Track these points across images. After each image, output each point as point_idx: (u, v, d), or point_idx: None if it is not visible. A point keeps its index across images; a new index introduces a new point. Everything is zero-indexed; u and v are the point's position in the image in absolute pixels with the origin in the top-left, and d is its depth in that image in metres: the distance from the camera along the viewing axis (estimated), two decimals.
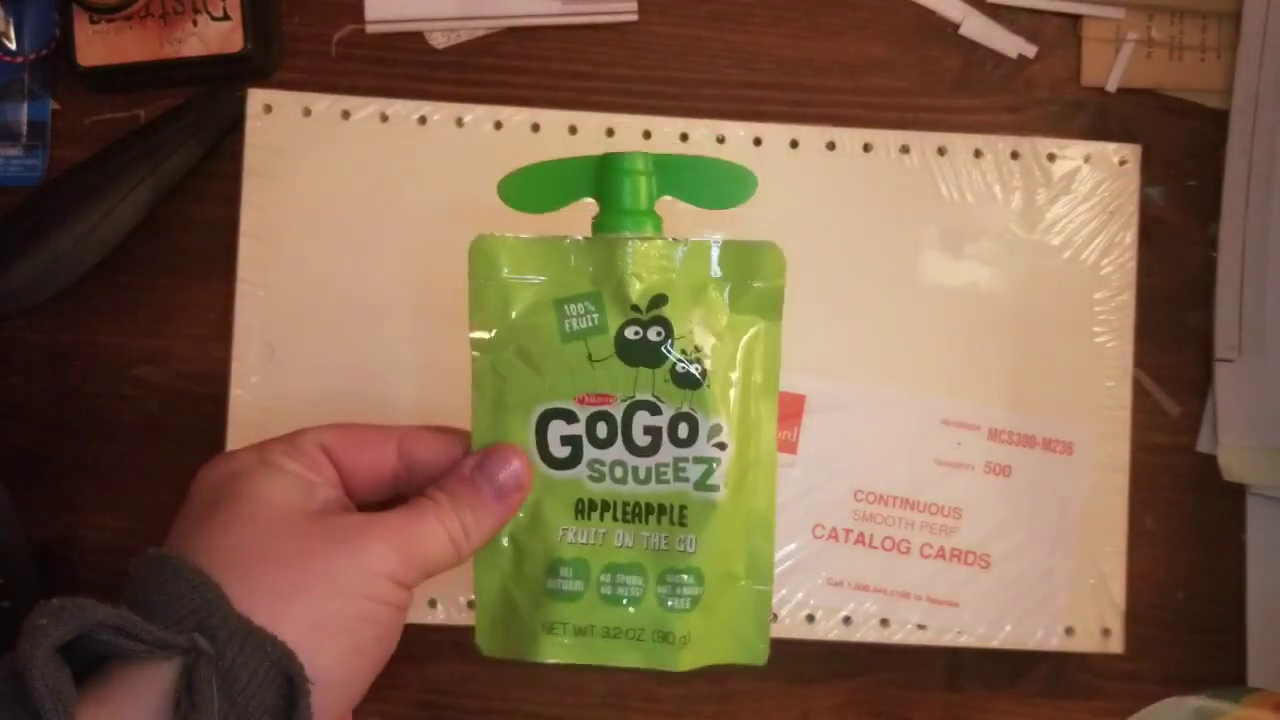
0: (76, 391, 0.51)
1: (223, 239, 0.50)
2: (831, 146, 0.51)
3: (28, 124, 0.51)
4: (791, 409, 0.50)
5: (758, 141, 0.51)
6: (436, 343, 0.49)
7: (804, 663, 0.51)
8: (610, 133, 0.50)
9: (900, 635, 0.50)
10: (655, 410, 0.37)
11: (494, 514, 0.36)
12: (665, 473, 0.37)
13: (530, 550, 0.37)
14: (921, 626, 0.50)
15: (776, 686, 0.52)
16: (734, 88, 0.53)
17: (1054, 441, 0.50)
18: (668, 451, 0.37)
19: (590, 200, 0.38)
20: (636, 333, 0.37)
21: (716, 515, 0.37)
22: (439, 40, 0.52)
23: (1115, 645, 0.50)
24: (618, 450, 0.37)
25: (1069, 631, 0.50)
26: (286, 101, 0.50)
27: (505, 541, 0.37)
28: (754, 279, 0.37)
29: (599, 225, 0.37)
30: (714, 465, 0.37)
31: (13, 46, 0.51)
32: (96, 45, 0.50)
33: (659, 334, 0.36)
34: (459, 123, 0.50)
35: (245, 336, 0.49)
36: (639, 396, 0.37)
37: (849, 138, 0.51)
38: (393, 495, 0.37)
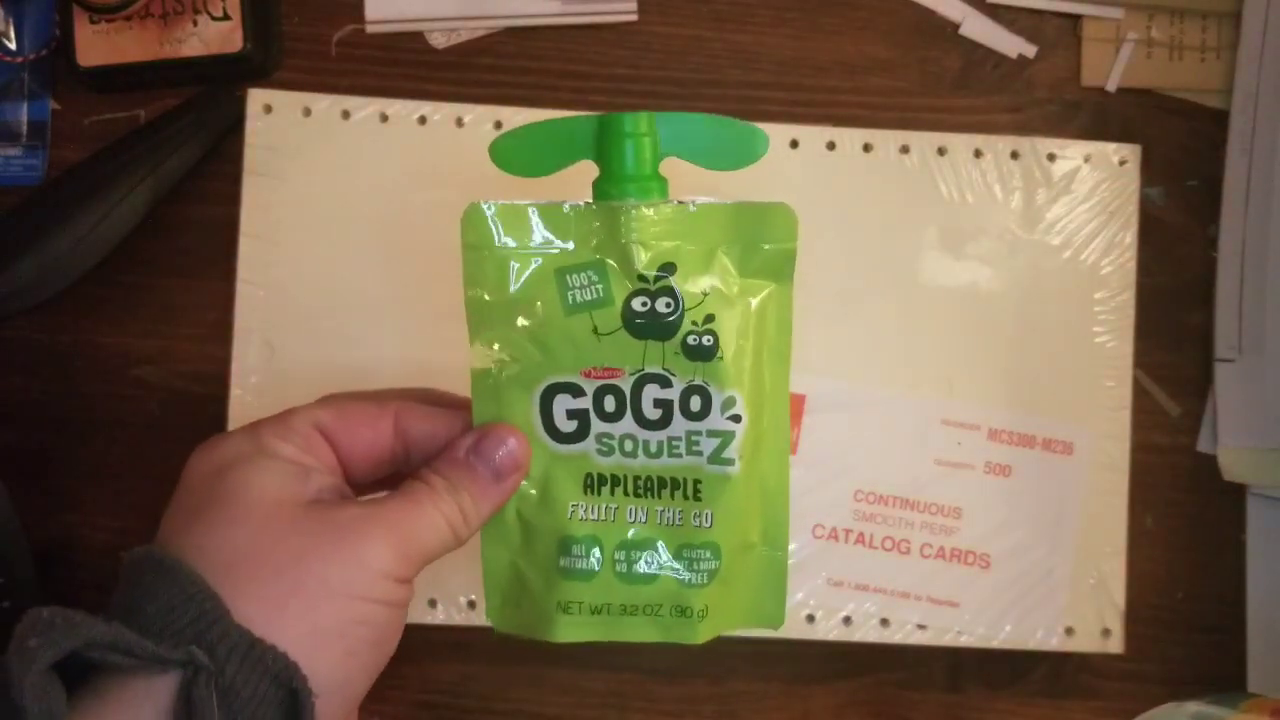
0: (76, 391, 0.51)
1: (223, 239, 0.50)
2: (831, 146, 0.51)
3: (28, 124, 0.51)
4: (791, 409, 0.49)
5: None
6: (437, 342, 0.49)
7: (804, 663, 0.51)
8: None
9: (900, 635, 0.50)
10: (665, 383, 0.35)
11: (492, 496, 0.35)
12: (678, 446, 0.35)
13: (540, 527, 0.36)
14: (921, 626, 0.50)
15: (776, 686, 0.52)
16: (734, 88, 0.53)
17: (1054, 441, 0.50)
18: (679, 425, 0.35)
19: (590, 161, 0.36)
20: (644, 304, 0.35)
21: (732, 488, 0.35)
22: (439, 40, 0.52)
23: (1115, 645, 0.50)
24: (627, 424, 0.35)
25: (1069, 631, 0.50)
26: (286, 101, 0.50)
27: (512, 517, 0.36)
28: (764, 241, 0.35)
29: (600, 191, 0.35)
30: (729, 439, 0.35)
31: (13, 46, 0.51)
32: (96, 45, 0.50)
33: (668, 305, 0.35)
34: (459, 123, 0.50)
35: (245, 336, 0.49)
36: (648, 370, 0.35)
37: (849, 138, 0.51)
38: (391, 473, 0.36)
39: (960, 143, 0.51)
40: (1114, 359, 0.51)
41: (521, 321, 0.35)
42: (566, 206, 0.35)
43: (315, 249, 0.50)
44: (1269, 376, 0.50)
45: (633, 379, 0.35)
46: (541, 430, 0.36)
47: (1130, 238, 0.51)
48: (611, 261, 0.35)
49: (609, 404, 0.35)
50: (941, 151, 0.51)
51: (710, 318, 0.35)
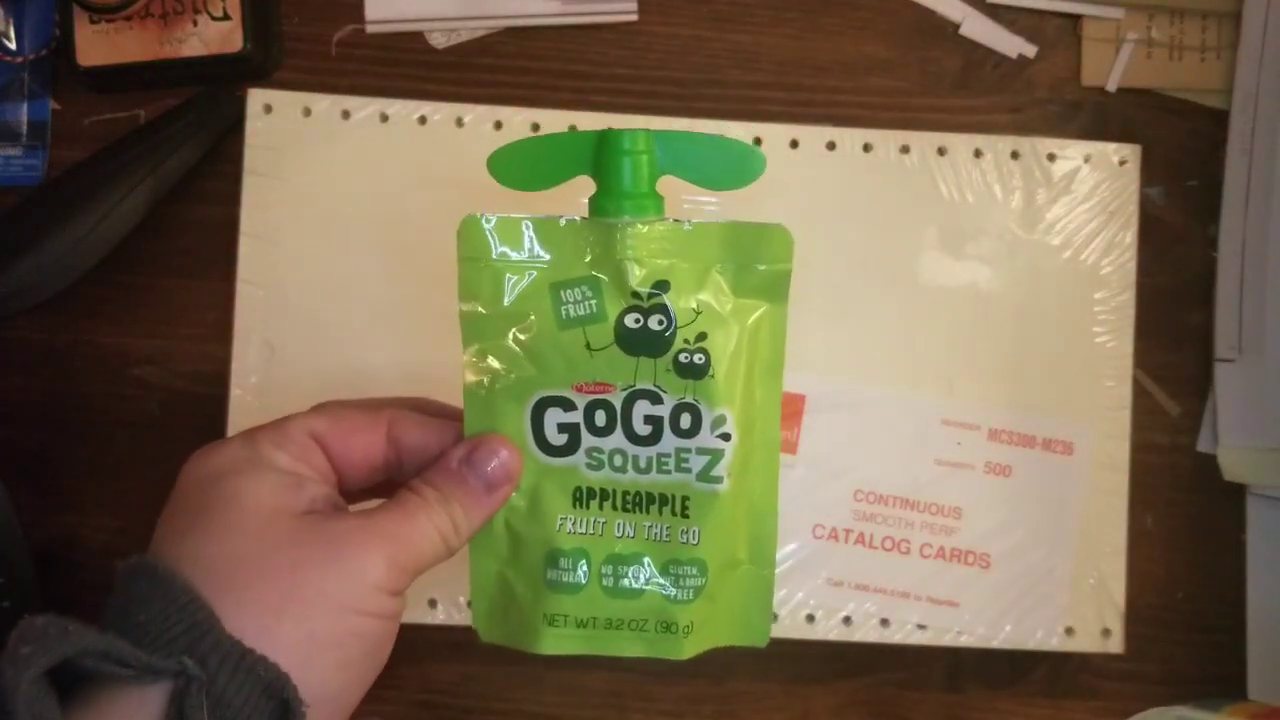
0: (76, 391, 0.51)
1: (223, 239, 0.50)
2: (831, 146, 0.51)
3: (28, 124, 0.51)
4: (791, 409, 0.50)
5: (758, 141, 0.51)
6: (437, 342, 0.49)
7: (804, 663, 0.51)
8: None
9: (900, 635, 0.50)
10: (656, 400, 0.35)
11: (483, 507, 0.35)
12: (667, 463, 0.36)
13: (528, 538, 0.36)
14: (921, 626, 0.50)
15: (776, 686, 0.52)
16: (734, 88, 0.53)
17: (1054, 441, 0.50)
18: (669, 441, 0.35)
19: (587, 178, 0.36)
20: (637, 320, 0.35)
21: (719, 505, 0.36)
22: (439, 40, 0.52)
23: (1115, 645, 0.50)
24: (617, 439, 0.36)
25: (1069, 631, 0.50)
26: (286, 101, 0.50)
27: (501, 528, 0.36)
28: (760, 262, 0.36)
29: (597, 207, 0.35)
30: (718, 457, 0.35)
31: (13, 46, 0.51)
32: (96, 45, 0.50)
33: (660, 322, 0.35)
34: (459, 123, 0.50)
35: (245, 336, 0.49)
36: (639, 386, 0.35)
37: (849, 138, 0.51)
38: (384, 480, 0.36)
39: (960, 143, 0.51)
40: (1114, 359, 0.51)
41: (515, 334, 0.35)
42: (562, 221, 0.35)
43: (315, 249, 0.50)
44: (1269, 376, 0.50)
45: (624, 394, 0.35)
46: (532, 442, 0.36)
47: (1130, 238, 0.51)
48: (606, 277, 0.35)
49: (600, 419, 0.36)
50: (941, 151, 0.51)
51: (702, 336, 0.35)
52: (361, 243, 0.50)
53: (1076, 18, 0.53)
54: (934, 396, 0.50)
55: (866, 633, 0.50)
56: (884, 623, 0.50)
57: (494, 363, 0.36)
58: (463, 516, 0.34)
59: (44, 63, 0.52)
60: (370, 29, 0.52)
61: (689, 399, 0.35)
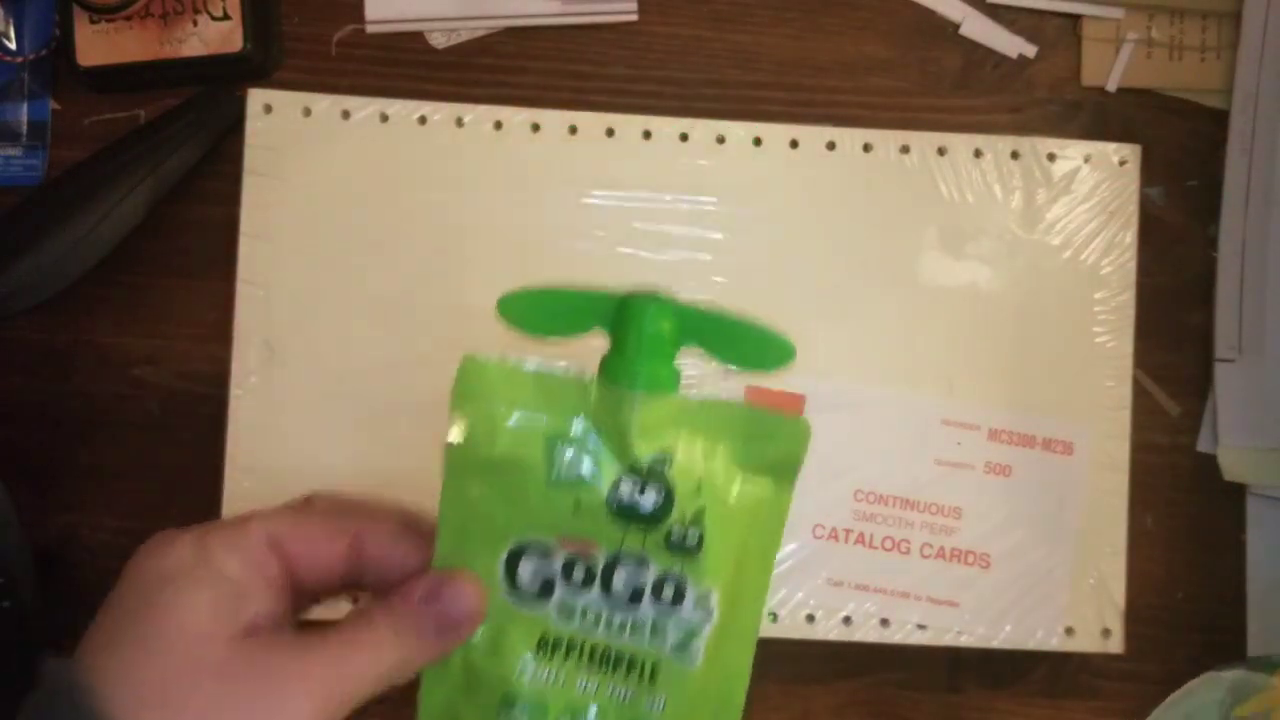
0: (76, 391, 0.51)
1: (223, 239, 0.50)
2: (831, 146, 0.51)
3: (28, 124, 0.51)
4: (792, 409, 0.49)
5: (758, 141, 0.51)
6: (436, 341, 0.49)
7: (804, 663, 0.51)
8: (610, 132, 0.50)
9: (900, 635, 0.50)
10: (641, 566, 0.33)
11: (437, 648, 0.34)
12: (642, 628, 0.34)
13: (485, 677, 0.34)
14: (921, 626, 0.50)
15: (776, 687, 0.52)
16: (734, 88, 0.53)
17: (1054, 441, 0.50)
18: (648, 608, 0.34)
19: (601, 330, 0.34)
20: (632, 491, 0.33)
21: (690, 680, 0.34)
22: (439, 40, 0.52)
23: (1115, 645, 0.50)
24: (593, 596, 0.34)
25: (1069, 631, 0.50)
26: (286, 101, 0.50)
27: (457, 660, 0.35)
28: (770, 447, 0.34)
29: (608, 371, 0.33)
30: (697, 632, 0.34)
31: (13, 46, 0.51)
32: (96, 45, 0.50)
33: (658, 496, 0.33)
34: (459, 123, 0.50)
35: (245, 336, 0.49)
36: (625, 551, 0.33)
37: (849, 138, 0.51)
38: (340, 589, 0.35)
39: (960, 143, 0.51)
40: (1114, 359, 0.51)
41: (501, 481, 0.33)
42: (569, 375, 0.33)
43: (315, 249, 0.50)
44: (1269, 376, 0.50)
45: (608, 557, 0.34)
46: (503, 583, 0.34)
47: (1130, 238, 0.51)
48: (607, 442, 0.33)
49: (578, 574, 0.34)
50: (941, 151, 0.51)
51: (700, 513, 0.33)
52: (361, 243, 0.50)
53: (1076, 18, 0.53)
54: (934, 396, 0.50)
55: (866, 633, 0.50)
56: (884, 623, 0.50)
57: (474, 502, 0.34)
58: (414, 654, 0.33)
59: (44, 63, 0.52)
60: (370, 29, 0.52)
61: (676, 571, 0.34)
